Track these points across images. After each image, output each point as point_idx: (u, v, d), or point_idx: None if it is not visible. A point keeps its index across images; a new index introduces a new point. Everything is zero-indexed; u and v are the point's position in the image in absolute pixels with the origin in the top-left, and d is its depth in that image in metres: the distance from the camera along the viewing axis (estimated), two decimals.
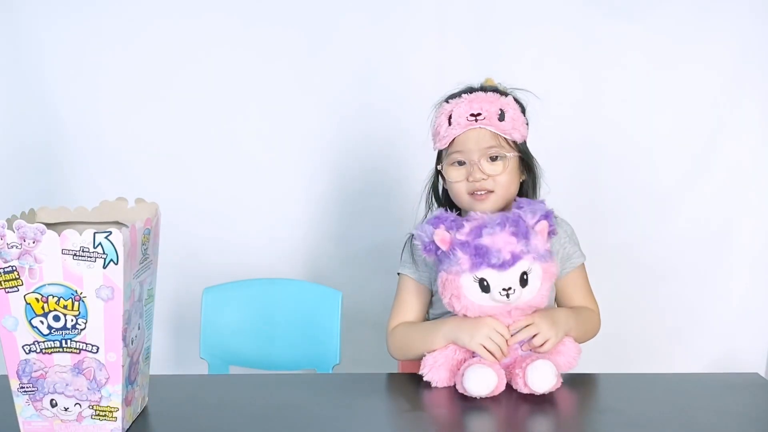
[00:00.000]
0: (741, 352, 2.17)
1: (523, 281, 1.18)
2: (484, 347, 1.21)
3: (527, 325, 1.23)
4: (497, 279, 1.17)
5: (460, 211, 1.42)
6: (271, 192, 2.12)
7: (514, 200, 1.28)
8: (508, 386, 1.21)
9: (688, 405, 1.18)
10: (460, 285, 1.19)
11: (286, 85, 2.07)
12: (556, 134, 2.00)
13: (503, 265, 1.16)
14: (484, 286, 1.18)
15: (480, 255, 1.17)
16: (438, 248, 1.21)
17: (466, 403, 1.18)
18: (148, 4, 2.03)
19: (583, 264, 1.43)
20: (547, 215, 1.22)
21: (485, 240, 1.17)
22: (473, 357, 1.23)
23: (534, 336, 1.23)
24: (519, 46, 2.05)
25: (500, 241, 1.17)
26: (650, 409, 1.15)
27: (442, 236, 1.21)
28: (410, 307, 1.41)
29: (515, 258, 1.17)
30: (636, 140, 2.10)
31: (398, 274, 1.45)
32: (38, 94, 2.06)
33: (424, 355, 1.27)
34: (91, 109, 2.07)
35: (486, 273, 1.17)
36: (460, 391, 1.19)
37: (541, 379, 1.17)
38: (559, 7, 2.04)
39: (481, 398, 1.18)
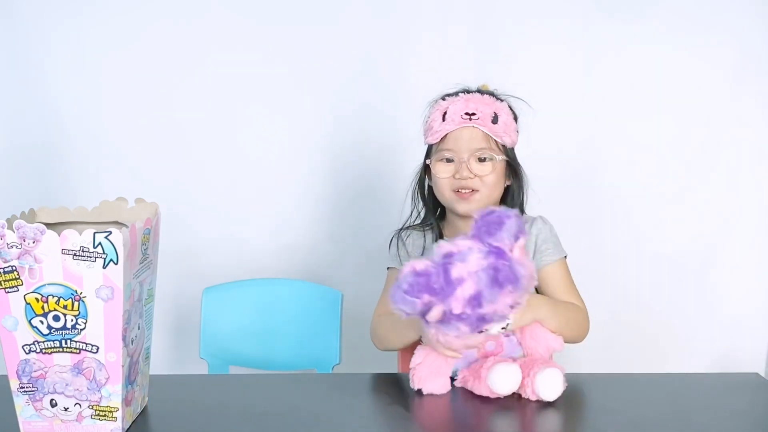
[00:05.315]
0: (741, 352, 2.17)
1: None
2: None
3: None
4: (496, 326, 1.14)
5: (444, 211, 1.44)
6: (271, 192, 2.12)
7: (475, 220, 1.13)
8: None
9: (688, 405, 1.18)
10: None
11: (286, 85, 2.07)
12: (555, 134, 2.01)
13: (502, 319, 1.12)
14: (482, 331, 1.13)
15: (482, 322, 1.10)
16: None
17: (465, 403, 1.18)
18: (148, 3, 2.03)
19: (562, 260, 1.39)
20: (519, 231, 1.11)
21: (486, 309, 1.07)
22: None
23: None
24: (519, 47, 2.05)
25: (501, 305, 1.08)
26: (650, 409, 1.15)
27: (437, 314, 1.07)
28: None
29: (513, 308, 1.11)
30: (635, 140, 2.10)
31: (387, 268, 1.47)
32: (38, 93, 2.06)
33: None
34: (92, 109, 2.07)
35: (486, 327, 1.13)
36: (479, 392, 1.16)
37: (549, 387, 1.16)
38: (559, 7, 2.04)
39: (481, 399, 1.17)
